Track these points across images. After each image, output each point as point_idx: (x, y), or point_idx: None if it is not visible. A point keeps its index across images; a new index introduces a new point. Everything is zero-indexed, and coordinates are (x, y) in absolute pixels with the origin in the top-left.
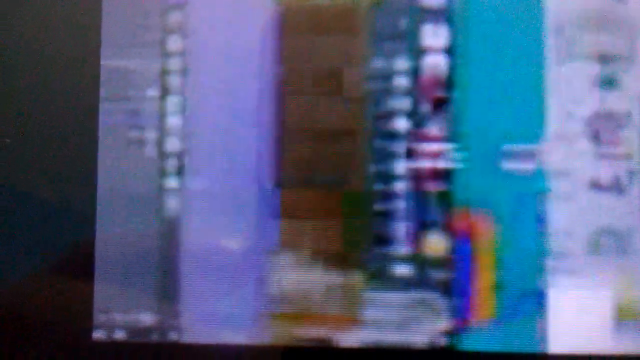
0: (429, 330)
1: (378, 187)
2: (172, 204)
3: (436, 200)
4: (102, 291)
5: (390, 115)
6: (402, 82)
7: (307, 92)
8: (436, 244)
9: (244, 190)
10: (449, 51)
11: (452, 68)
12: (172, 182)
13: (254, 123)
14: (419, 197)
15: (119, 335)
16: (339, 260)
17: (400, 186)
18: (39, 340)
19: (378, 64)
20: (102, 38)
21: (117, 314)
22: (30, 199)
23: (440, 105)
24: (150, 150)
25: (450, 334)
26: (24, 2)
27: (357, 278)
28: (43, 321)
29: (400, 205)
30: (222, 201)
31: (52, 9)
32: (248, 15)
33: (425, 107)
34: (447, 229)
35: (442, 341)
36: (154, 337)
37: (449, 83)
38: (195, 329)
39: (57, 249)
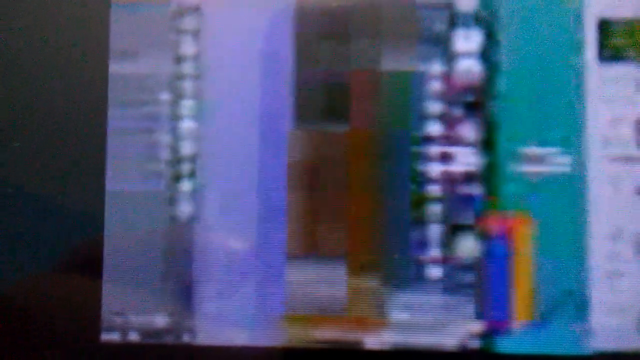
0: (462, 332)
1: (406, 188)
2: (185, 206)
3: (471, 203)
4: (115, 293)
5: (422, 117)
6: (434, 85)
7: (324, 96)
8: (470, 246)
9: (259, 192)
10: (483, 55)
11: (486, 72)
12: (185, 185)
13: (269, 126)
14: (452, 199)
15: (133, 337)
16: (360, 262)
17: (432, 188)
18: (48, 342)
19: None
20: (112, 41)
21: (131, 315)
22: (40, 200)
23: (474, 108)
24: (163, 154)
25: (485, 336)
26: (32, 5)
27: (385, 280)
28: (52, 323)
29: (433, 208)
30: (237, 203)
31: (62, 12)
32: (263, 17)
33: (459, 111)
34: (482, 231)
35: (476, 344)
36: (168, 339)
37: (482, 87)
38: (209, 331)
39: (66, 250)
